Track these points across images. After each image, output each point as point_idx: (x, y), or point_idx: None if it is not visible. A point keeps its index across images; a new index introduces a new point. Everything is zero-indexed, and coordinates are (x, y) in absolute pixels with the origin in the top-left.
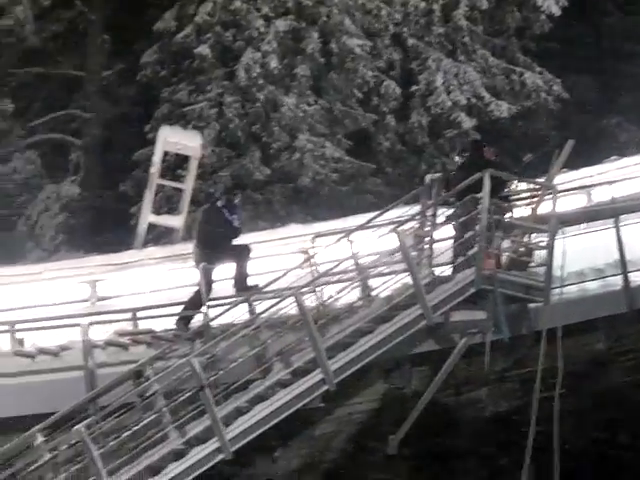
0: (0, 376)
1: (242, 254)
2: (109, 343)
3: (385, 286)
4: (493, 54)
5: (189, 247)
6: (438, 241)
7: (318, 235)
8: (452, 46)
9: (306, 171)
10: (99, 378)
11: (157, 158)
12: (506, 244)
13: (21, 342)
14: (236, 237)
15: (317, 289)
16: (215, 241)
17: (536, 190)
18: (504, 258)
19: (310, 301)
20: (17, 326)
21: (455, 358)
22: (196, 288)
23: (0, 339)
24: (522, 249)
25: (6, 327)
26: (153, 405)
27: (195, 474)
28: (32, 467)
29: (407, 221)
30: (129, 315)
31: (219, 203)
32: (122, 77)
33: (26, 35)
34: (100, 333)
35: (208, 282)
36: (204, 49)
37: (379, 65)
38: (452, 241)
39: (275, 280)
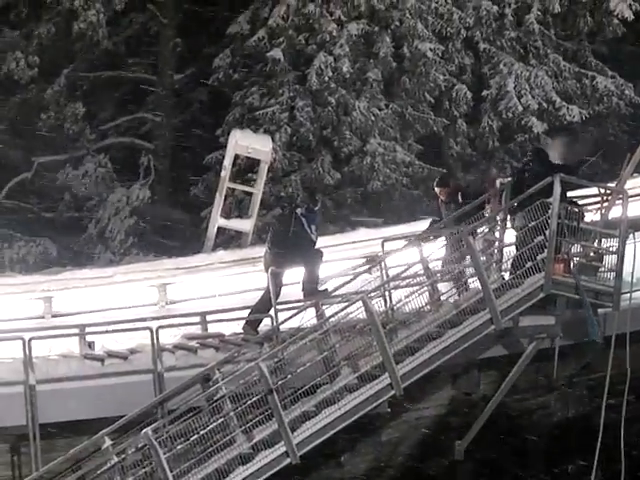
0: (70, 379)
1: (314, 258)
2: (178, 347)
3: (454, 290)
4: (565, 58)
5: (258, 251)
6: (507, 245)
7: (387, 239)
8: (524, 50)
9: (377, 175)
10: (167, 381)
11: (228, 162)
12: (575, 249)
13: (91, 345)
14: (311, 248)
15: (385, 293)
16: (289, 248)
17: (607, 195)
18: (573, 263)
19: (378, 305)
20: (87, 329)
21: (524, 363)
22: (262, 292)
23: (70, 342)
24: (592, 254)
25: (76, 330)
26: (221, 409)
27: (262, 478)
28: (100, 470)
29: (477, 225)
30: (198, 319)
31: (299, 211)
32: (194, 81)
33: (99, 39)
34: (169, 336)
35: (277, 286)
36: (276, 53)
37: (450, 69)
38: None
39: (344, 284)
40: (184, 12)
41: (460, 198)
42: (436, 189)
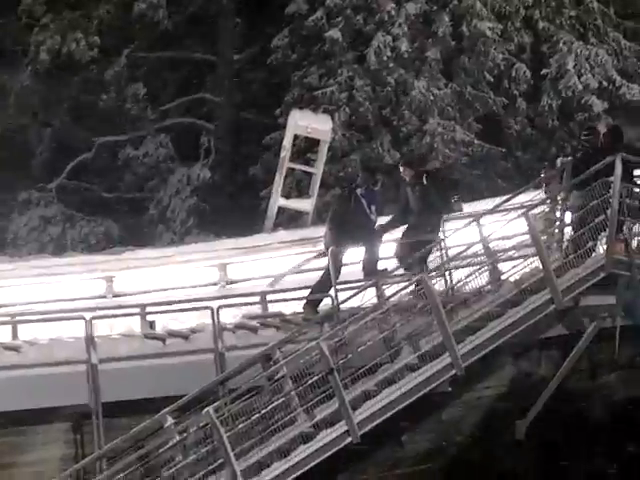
0: (131, 359)
1: (373, 238)
2: (239, 326)
3: (514, 270)
4: (625, 36)
5: (319, 231)
6: (568, 225)
7: (446, 219)
8: (583, 29)
9: (436, 155)
10: (228, 361)
11: (287, 142)
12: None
13: (152, 325)
14: (371, 228)
15: (446, 273)
16: (349, 227)
17: None
18: (635, 243)
19: (439, 285)
20: (148, 309)
21: (585, 343)
22: (323, 272)
23: (131, 322)
24: None
25: (137, 310)
26: (281, 388)
27: (323, 457)
28: (162, 448)
29: (537, 205)
30: (258, 298)
31: (359, 191)
32: (253, 61)
33: (159, 19)
34: (230, 316)
35: (337, 266)
36: (335, 32)
37: (510, 48)
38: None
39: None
40: None
41: (425, 180)
42: (400, 168)
